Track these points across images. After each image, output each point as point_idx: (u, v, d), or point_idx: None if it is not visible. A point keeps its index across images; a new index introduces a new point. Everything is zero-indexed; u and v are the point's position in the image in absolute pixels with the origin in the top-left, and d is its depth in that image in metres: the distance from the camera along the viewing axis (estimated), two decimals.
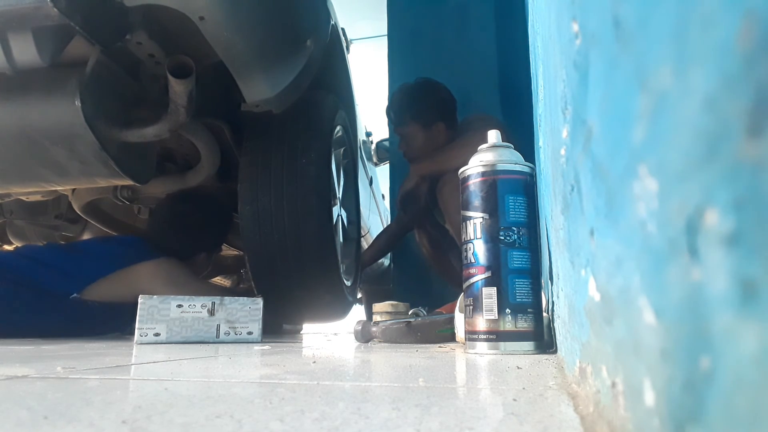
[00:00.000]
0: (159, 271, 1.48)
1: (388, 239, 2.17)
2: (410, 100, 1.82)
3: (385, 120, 2.51)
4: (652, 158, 0.17)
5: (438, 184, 1.76)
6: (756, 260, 0.11)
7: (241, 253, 1.95)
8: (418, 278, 2.22)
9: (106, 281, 1.44)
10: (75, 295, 1.41)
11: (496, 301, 0.73)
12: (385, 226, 3.35)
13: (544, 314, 0.77)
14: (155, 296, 1.09)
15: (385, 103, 2.49)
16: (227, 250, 2.30)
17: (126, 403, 0.33)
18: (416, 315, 1.20)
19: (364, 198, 2.39)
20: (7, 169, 1.26)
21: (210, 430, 0.25)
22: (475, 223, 0.76)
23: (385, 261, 2.97)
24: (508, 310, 0.72)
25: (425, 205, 1.90)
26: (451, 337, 0.99)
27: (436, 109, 1.80)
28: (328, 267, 1.55)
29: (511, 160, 0.78)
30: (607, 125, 0.23)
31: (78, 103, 1.11)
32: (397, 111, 1.85)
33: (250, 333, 1.13)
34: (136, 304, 1.36)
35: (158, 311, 1.07)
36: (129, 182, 1.36)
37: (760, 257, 0.11)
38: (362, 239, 2.19)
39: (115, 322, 1.52)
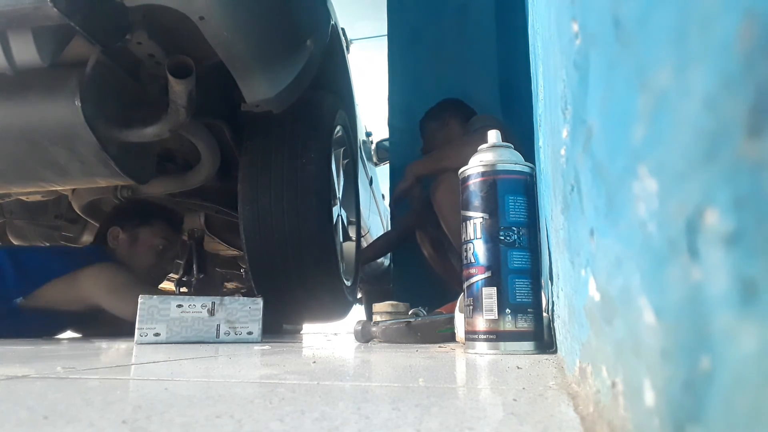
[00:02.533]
0: (95, 275, 1.44)
1: (385, 242, 2.19)
2: (431, 108, 2.01)
3: (385, 120, 2.51)
4: (652, 158, 0.17)
5: (431, 186, 1.76)
6: (756, 260, 0.11)
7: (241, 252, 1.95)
8: (418, 278, 2.22)
9: (50, 286, 1.43)
10: (20, 299, 1.39)
11: (496, 301, 0.73)
12: (384, 226, 3.36)
13: (544, 314, 0.77)
14: (155, 296, 1.09)
15: (385, 103, 2.51)
16: (227, 250, 2.30)
17: (126, 403, 0.33)
18: (416, 315, 1.20)
19: (364, 198, 2.39)
20: (7, 169, 1.26)
21: (210, 430, 0.25)
22: (475, 223, 0.76)
23: (385, 261, 2.97)
24: (508, 310, 0.72)
25: (419, 207, 1.91)
26: (451, 337, 0.99)
27: (449, 107, 1.95)
28: (328, 267, 1.55)
29: (511, 160, 0.78)
30: (607, 125, 0.23)
31: (78, 103, 1.11)
32: (422, 120, 2.02)
33: (250, 333, 1.13)
34: (69, 311, 1.34)
35: (158, 311, 1.07)
36: (129, 182, 1.36)
37: (760, 257, 0.11)
38: (362, 239, 2.19)
39: (47, 329, 1.50)
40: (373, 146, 3.49)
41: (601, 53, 0.23)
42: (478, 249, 0.75)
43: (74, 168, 1.23)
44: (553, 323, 0.73)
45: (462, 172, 0.80)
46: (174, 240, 1.75)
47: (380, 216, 3.32)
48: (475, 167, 0.78)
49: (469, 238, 0.77)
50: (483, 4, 2.42)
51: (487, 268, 0.74)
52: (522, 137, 1.37)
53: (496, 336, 0.72)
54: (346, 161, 1.95)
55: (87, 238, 1.98)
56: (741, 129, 0.12)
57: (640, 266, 0.18)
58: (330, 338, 1.51)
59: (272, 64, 1.32)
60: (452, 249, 1.91)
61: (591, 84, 0.26)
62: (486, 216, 0.75)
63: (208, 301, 1.12)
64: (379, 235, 2.33)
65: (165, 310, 1.08)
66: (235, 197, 1.53)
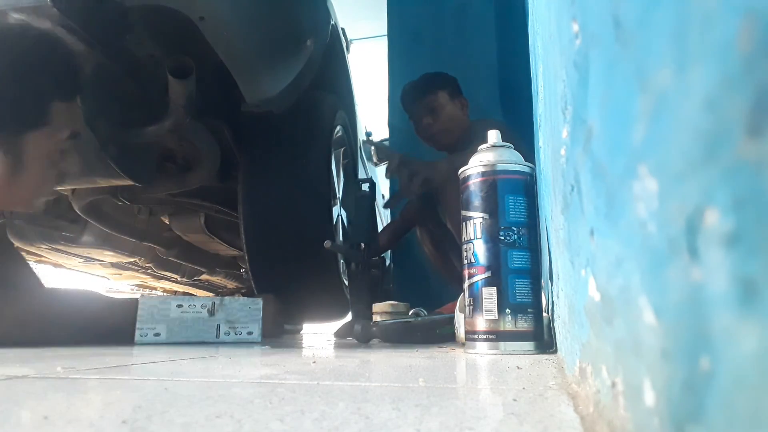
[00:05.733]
0: None
1: (390, 234, 2.17)
2: (434, 75, 1.81)
3: (385, 120, 2.51)
4: (652, 158, 0.17)
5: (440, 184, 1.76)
6: (756, 260, 0.11)
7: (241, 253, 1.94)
8: (418, 278, 2.22)
9: None
10: None
11: (496, 301, 0.73)
12: (384, 226, 3.35)
13: (544, 314, 0.77)
14: (155, 297, 1.09)
15: (385, 103, 2.49)
16: (227, 250, 2.30)
17: (126, 403, 0.33)
18: (416, 315, 1.20)
19: None
20: None
21: (210, 430, 0.25)
22: (475, 223, 0.76)
23: (386, 261, 2.97)
24: (508, 310, 0.72)
25: (425, 200, 1.90)
26: (451, 337, 0.99)
27: (458, 86, 1.82)
28: (328, 267, 1.55)
29: (511, 160, 0.78)
30: (607, 125, 0.23)
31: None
32: (421, 86, 1.80)
33: (250, 333, 1.13)
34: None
35: (158, 311, 1.07)
36: (129, 182, 1.36)
37: (760, 257, 0.11)
38: None
39: None
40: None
41: (601, 53, 0.23)
42: (478, 249, 0.75)
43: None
44: (553, 323, 0.73)
45: (462, 172, 0.80)
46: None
47: (380, 216, 3.32)
48: (475, 167, 0.78)
49: (469, 238, 0.77)
50: (483, 4, 2.42)
51: (487, 268, 0.74)
52: (522, 137, 1.37)
53: (496, 336, 0.72)
54: (346, 161, 1.95)
55: (87, 238, 1.97)
56: (741, 129, 0.12)
57: (640, 266, 0.18)
58: (330, 338, 1.51)
59: (272, 63, 1.32)
60: (453, 247, 1.91)
61: (591, 84, 0.26)
62: (486, 216, 0.75)
63: (208, 301, 1.12)
64: (382, 229, 2.31)
65: (165, 310, 1.08)
66: (235, 197, 1.53)
